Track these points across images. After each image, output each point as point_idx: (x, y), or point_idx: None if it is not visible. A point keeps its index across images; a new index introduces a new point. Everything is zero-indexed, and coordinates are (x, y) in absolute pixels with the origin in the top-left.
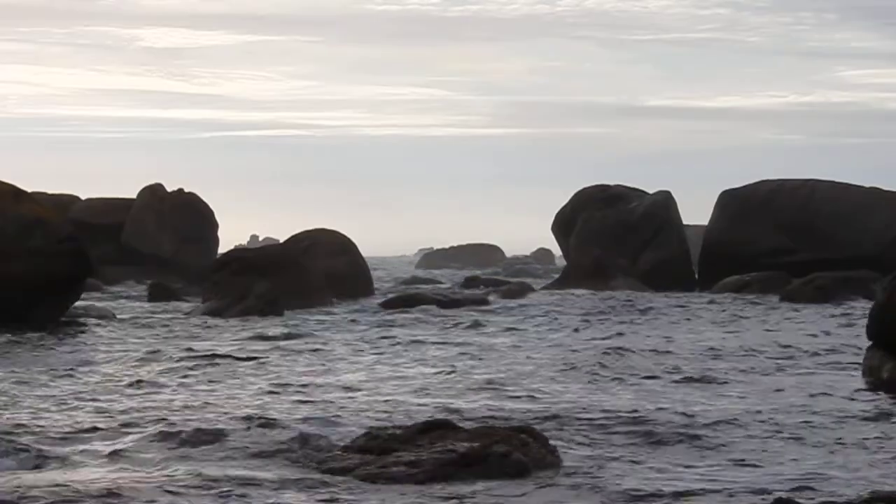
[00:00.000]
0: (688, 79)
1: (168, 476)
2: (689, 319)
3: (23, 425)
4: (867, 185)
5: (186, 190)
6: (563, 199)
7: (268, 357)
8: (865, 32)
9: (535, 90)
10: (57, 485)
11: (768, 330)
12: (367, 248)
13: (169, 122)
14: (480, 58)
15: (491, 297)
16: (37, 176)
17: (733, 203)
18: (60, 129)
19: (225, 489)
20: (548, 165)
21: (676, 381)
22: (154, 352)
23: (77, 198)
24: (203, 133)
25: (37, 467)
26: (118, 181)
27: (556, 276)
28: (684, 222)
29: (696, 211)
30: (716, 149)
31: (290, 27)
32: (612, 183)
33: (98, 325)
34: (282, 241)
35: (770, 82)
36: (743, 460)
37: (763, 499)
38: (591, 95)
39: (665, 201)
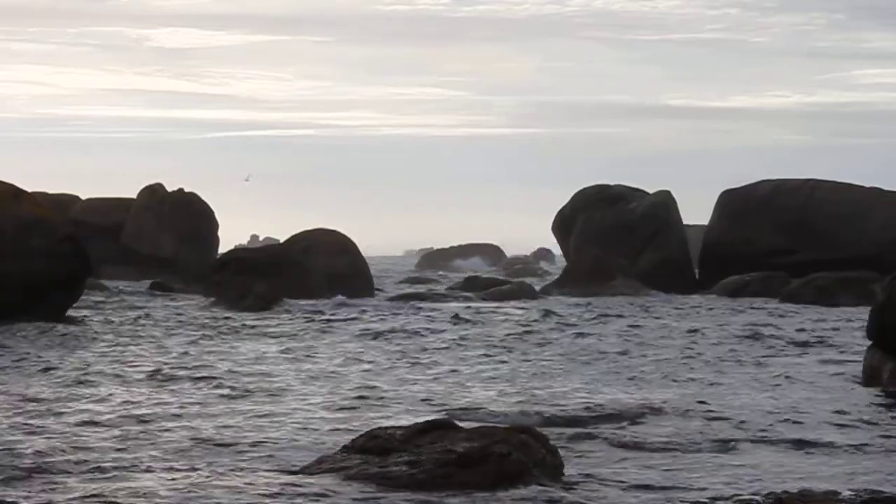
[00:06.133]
0: (695, 79)
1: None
2: (686, 316)
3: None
4: (871, 185)
5: (187, 190)
6: (564, 199)
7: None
8: (874, 33)
9: (542, 90)
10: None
11: (766, 329)
12: (367, 248)
13: (176, 123)
14: (488, 58)
15: (489, 298)
16: (37, 176)
17: (733, 203)
18: (69, 130)
19: None
20: (551, 165)
21: (676, 381)
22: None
23: (77, 198)
24: (209, 133)
25: None
26: (122, 181)
27: (557, 275)
28: (685, 222)
29: (696, 211)
30: (719, 148)
31: (299, 27)
32: (614, 183)
33: (104, 323)
34: (282, 241)
35: (776, 82)
36: (742, 460)
37: (763, 498)
38: (597, 95)
39: (665, 201)
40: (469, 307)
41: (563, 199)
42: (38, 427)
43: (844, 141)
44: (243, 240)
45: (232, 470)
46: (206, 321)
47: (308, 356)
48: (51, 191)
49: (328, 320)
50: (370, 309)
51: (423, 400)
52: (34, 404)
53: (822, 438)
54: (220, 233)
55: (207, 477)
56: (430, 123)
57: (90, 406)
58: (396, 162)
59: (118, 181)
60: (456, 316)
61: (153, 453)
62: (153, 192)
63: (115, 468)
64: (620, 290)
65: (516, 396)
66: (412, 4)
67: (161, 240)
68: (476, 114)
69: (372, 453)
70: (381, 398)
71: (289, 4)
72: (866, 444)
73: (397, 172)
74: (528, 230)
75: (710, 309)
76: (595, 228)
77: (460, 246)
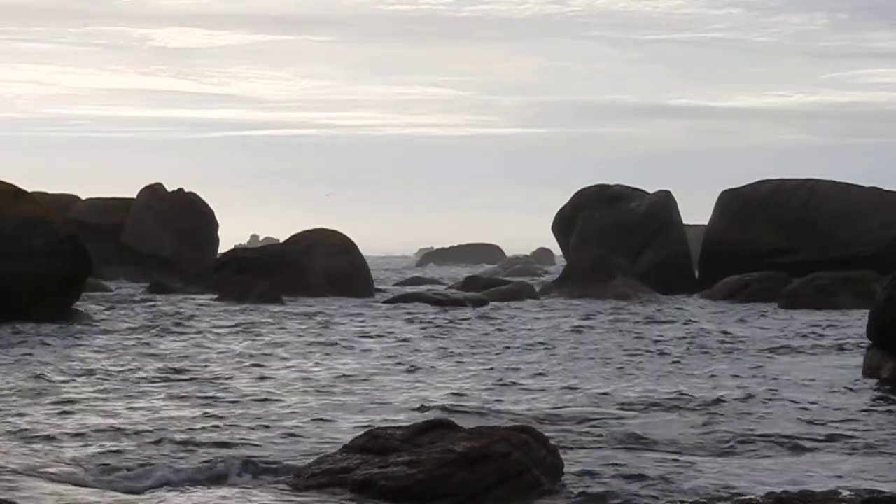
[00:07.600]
0: (698, 79)
1: None
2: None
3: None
4: (871, 185)
5: (188, 190)
6: (564, 199)
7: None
8: (878, 33)
9: (545, 90)
10: None
11: (765, 328)
12: (367, 248)
13: (178, 122)
14: (491, 58)
15: (489, 298)
16: (38, 176)
17: (733, 203)
18: (71, 129)
19: None
20: (551, 165)
21: (676, 379)
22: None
23: (77, 198)
24: (210, 133)
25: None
26: (123, 181)
27: (557, 275)
28: (685, 222)
29: (696, 211)
30: (719, 148)
31: (302, 27)
32: (614, 183)
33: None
34: (282, 241)
35: (779, 82)
36: (742, 459)
37: (763, 498)
38: (601, 95)
39: (665, 201)
40: (468, 307)
41: (563, 199)
42: (24, 427)
43: (845, 141)
44: (243, 240)
45: (230, 471)
46: (205, 321)
47: (307, 356)
48: (51, 191)
49: (327, 320)
50: (369, 309)
51: (421, 399)
52: (26, 404)
53: (822, 438)
54: (220, 233)
55: (201, 481)
56: (433, 123)
57: (83, 408)
58: (398, 162)
59: (118, 181)
60: (454, 316)
61: (146, 459)
62: (153, 192)
63: (108, 477)
64: (620, 290)
65: (515, 395)
66: (415, 4)
67: (161, 239)
68: (479, 114)
69: (372, 453)
70: (380, 398)
71: (291, 4)
72: (867, 444)
73: (398, 172)
74: (528, 230)
75: (710, 308)
76: (595, 228)
77: (460, 246)
